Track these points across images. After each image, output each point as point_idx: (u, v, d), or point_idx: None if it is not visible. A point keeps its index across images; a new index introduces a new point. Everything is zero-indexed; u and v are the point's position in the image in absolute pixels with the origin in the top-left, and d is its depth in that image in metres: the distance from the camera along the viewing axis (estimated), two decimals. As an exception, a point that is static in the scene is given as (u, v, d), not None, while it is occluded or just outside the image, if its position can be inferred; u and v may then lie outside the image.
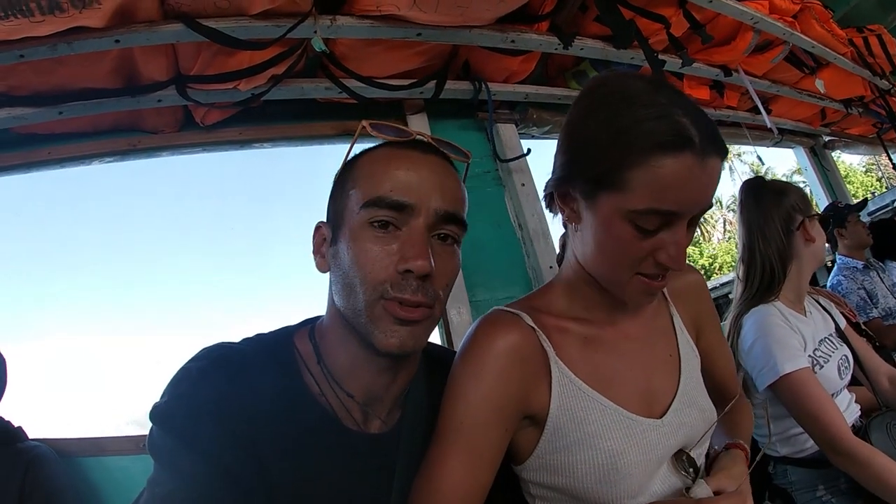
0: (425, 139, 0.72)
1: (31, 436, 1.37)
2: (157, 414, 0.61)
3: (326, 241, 0.72)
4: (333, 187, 0.73)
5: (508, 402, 0.71)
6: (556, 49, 1.70)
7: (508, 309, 0.78)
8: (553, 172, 0.76)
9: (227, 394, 0.62)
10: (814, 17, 2.22)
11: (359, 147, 0.74)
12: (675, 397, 0.78)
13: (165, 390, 0.63)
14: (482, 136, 1.94)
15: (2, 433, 1.31)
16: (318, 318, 0.77)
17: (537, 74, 1.95)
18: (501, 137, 1.91)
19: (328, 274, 0.72)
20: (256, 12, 1.29)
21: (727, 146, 0.66)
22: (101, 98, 1.42)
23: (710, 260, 24.89)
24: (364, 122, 0.70)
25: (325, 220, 0.74)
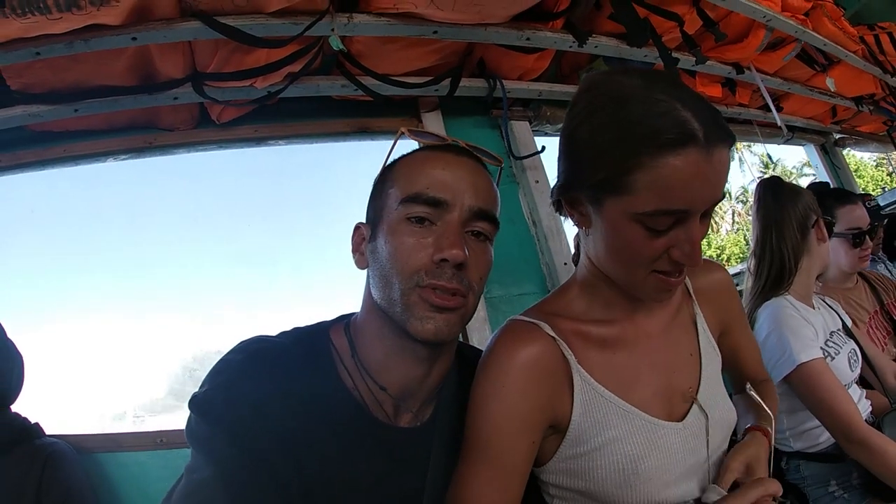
0: (460, 144, 0.76)
1: (48, 432, 1.37)
2: (196, 403, 0.64)
3: (365, 240, 0.75)
4: (373, 190, 0.78)
5: (533, 415, 0.71)
6: (570, 47, 1.70)
7: (526, 318, 0.77)
8: (557, 179, 0.75)
9: (265, 385, 0.64)
10: (825, 15, 2.20)
11: (397, 153, 0.78)
12: (695, 398, 0.77)
13: (205, 381, 0.66)
14: (496, 133, 1.94)
15: (19, 430, 1.31)
16: (353, 314, 0.79)
17: (551, 72, 1.95)
18: (515, 135, 1.91)
19: (365, 272, 0.76)
20: (274, 10, 1.28)
21: (733, 133, 0.64)
22: (117, 95, 1.42)
23: (719, 251, 24.70)
24: (403, 129, 0.77)
25: (364, 221, 0.78)
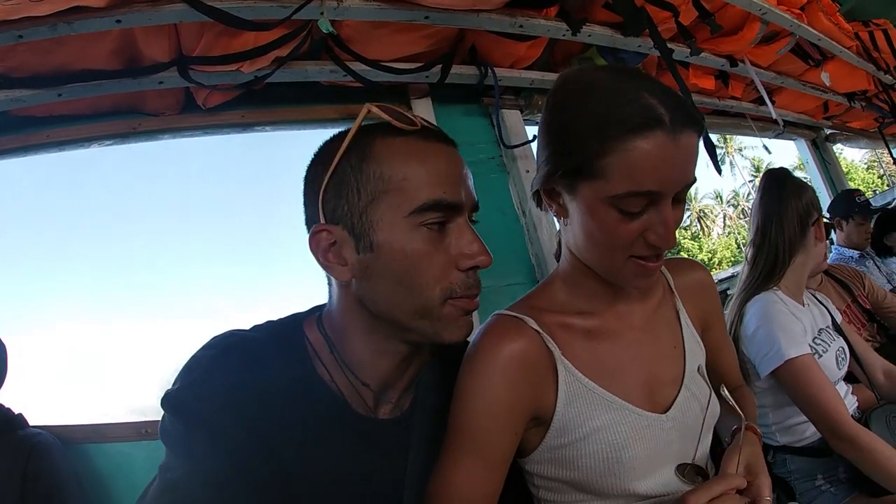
0: (434, 127, 0.71)
1: (31, 423, 1.35)
2: (168, 400, 0.62)
3: (343, 246, 0.66)
4: (334, 183, 0.66)
5: (517, 409, 0.73)
6: (564, 35, 1.68)
7: (511, 313, 0.78)
8: (536, 171, 0.77)
9: (239, 381, 0.63)
10: (821, 10, 2.22)
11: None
12: (679, 391, 0.79)
13: (177, 378, 0.64)
14: (486, 121, 1.92)
15: (2, 420, 1.29)
16: (324, 305, 0.76)
17: (543, 60, 1.93)
18: (506, 123, 1.89)
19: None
20: (262, -8, 1.26)
21: (702, 119, 0.68)
22: (101, 79, 1.38)
23: (710, 255, 24.89)
24: (369, 105, 0.66)
25: (322, 222, 0.67)
